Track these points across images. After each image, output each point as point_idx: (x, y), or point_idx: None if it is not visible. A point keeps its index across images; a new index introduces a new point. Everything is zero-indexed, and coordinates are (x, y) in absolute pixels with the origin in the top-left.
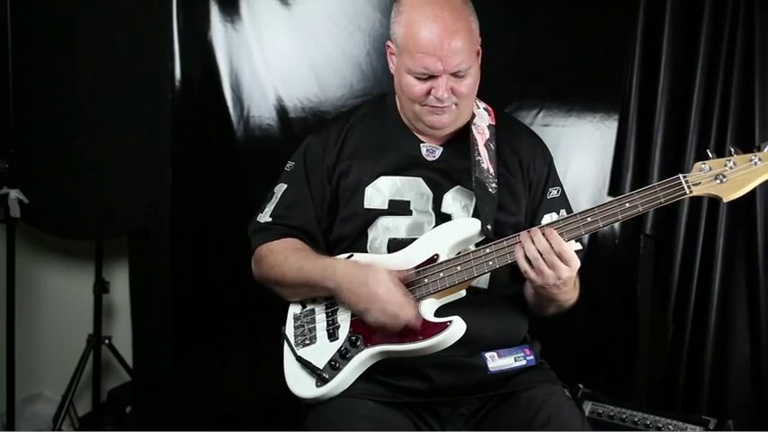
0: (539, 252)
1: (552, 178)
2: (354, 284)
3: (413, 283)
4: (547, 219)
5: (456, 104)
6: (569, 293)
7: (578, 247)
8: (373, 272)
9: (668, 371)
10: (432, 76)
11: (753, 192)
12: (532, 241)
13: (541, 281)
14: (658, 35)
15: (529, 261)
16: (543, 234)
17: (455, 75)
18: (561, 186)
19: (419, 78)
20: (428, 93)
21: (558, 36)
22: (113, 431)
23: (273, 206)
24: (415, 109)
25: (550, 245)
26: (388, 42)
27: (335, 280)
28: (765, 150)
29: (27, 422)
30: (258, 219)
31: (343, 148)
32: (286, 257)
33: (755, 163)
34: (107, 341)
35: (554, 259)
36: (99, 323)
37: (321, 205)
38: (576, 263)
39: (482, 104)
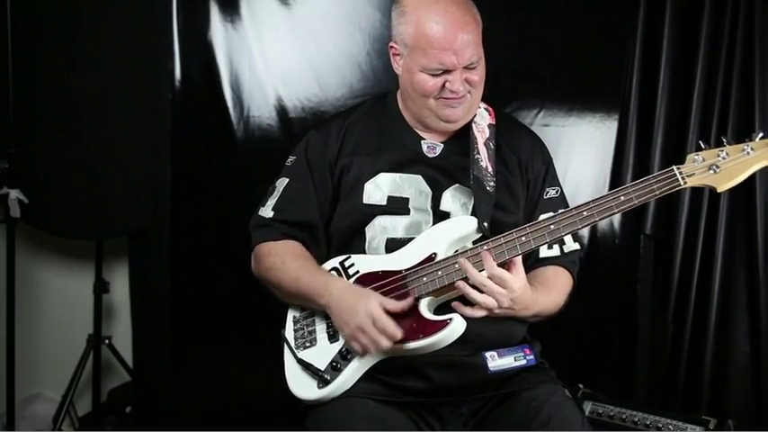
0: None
1: (550, 179)
2: (344, 311)
3: (411, 281)
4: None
5: (470, 93)
6: (537, 307)
7: (576, 246)
8: (365, 302)
9: (668, 371)
10: (446, 71)
11: (752, 191)
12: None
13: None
14: (658, 35)
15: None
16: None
17: (467, 67)
18: (560, 187)
19: (433, 74)
20: (442, 87)
21: (558, 36)
22: (113, 431)
23: (276, 200)
24: (429, 104)
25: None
26: (392, 44)
27: (329, 300)
28: (757, 140)
29: (27, 422)
30: (260, 213)
31: (344, 143)
32: (284, 263)
33: (748, 153)
34: (107, 341)
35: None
36: (99, 323)
37: (324, 199)
38: (516, 284)
39: (482, 104)
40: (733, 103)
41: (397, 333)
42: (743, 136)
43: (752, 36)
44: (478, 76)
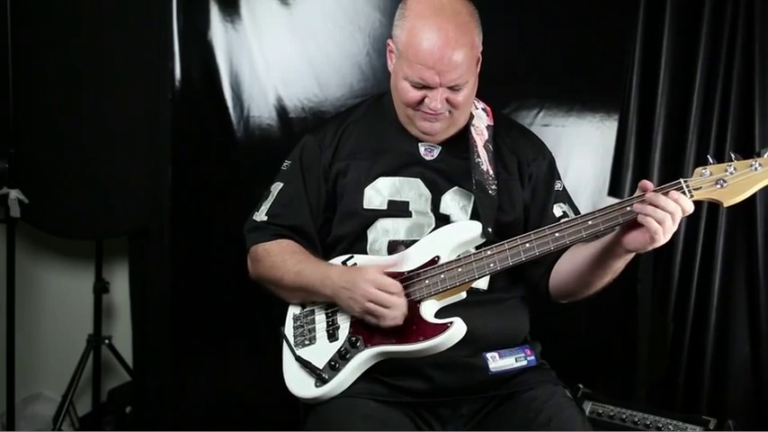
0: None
1: (556, 173)
2: (347, 290)
3: (413, 284)
4: (558, 209)
5: (450, 113)
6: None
7: None
8: (361, 273)
9: (668, 371)
10: (426, 87)
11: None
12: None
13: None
14: (658, 35)
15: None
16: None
17: (451, 88)
18: (562, 182)
19: (414, 86)
20: (422, 100)
21: (558, 36)
22: (113, 431)
23: (269, 205)
24: (408, 113)
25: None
26: (389, 41)
27: (333, 288)
28: (765, 156)
29: (27, 422)
30: (254, 217)
31: (341, 147)
32: (284, 260)
33: (755, 168)
34: (107, 341)
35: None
36: (99, 323)
37: (317, 204)
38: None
39: (480, 105)
40: (733, 103)
41: (395, 284)
42: (743, 136)
43: (752, 36)
44: (463, 97)
